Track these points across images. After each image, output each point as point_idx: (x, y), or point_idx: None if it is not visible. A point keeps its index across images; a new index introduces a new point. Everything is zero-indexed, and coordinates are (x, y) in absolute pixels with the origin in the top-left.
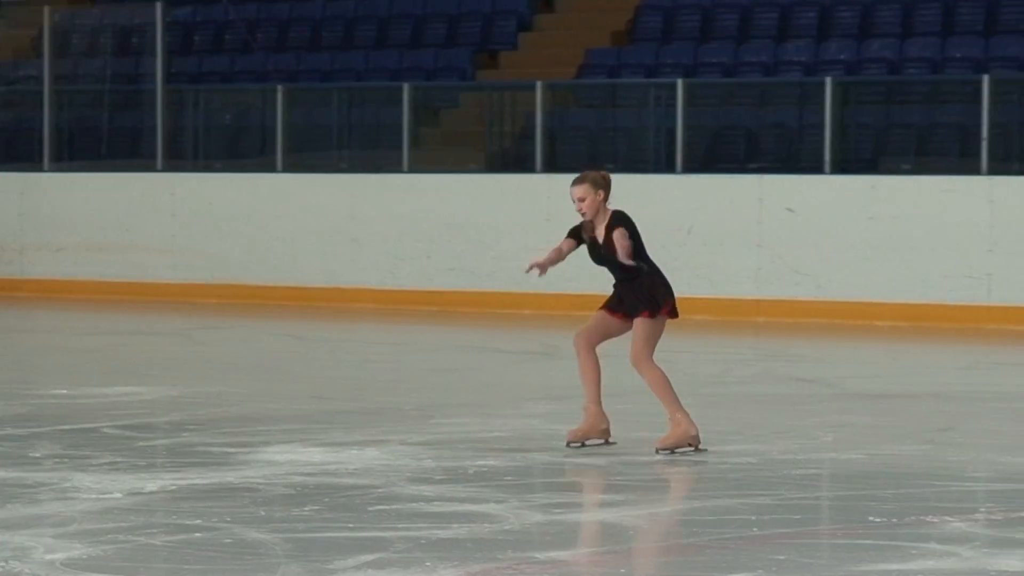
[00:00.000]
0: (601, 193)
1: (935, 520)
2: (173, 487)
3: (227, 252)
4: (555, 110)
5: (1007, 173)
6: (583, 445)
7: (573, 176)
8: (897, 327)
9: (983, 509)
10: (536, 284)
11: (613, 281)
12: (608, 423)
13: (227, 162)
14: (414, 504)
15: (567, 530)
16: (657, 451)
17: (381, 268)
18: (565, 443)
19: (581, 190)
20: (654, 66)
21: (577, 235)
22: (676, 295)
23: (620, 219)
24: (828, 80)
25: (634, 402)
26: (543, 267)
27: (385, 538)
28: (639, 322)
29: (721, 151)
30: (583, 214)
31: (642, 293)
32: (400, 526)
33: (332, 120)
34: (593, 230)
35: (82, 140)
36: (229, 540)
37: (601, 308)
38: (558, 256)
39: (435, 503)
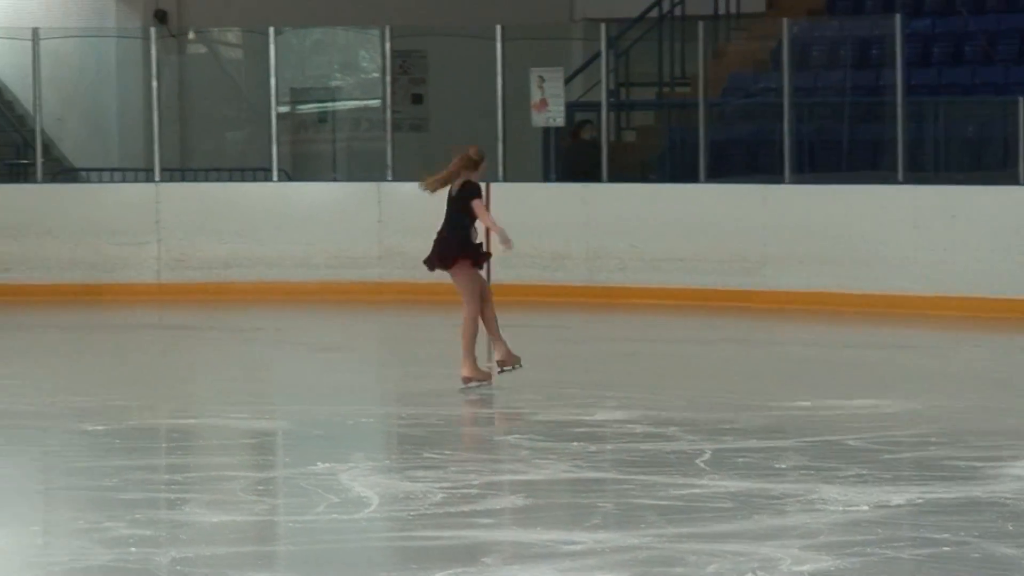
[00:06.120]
0: None
1: None
2: (920, 500)
3: (967, 264)
4: None
5: None
6: None
7: None
8: None
9: None
10: None
11: None
12: None
13: (969, 174)
14: None
15: None
16: None
17: None
18: None
19: None
20: None
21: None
22: None
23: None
24: None
25: None
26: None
27: None
28: None
29: None
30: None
31: None
32: None
33: None
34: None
35: (822, 152)
36: (977, 555)
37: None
38: None
39: None
